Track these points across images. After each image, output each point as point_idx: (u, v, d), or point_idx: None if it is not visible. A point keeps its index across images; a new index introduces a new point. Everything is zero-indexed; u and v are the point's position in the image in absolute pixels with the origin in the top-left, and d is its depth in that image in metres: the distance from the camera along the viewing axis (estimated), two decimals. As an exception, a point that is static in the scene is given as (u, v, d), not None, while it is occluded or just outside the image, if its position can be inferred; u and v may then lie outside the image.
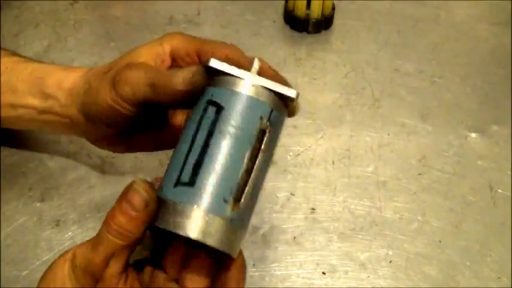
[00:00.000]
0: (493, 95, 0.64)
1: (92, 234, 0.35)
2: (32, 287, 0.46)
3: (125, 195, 0.33)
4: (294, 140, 0.58)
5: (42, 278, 0.36)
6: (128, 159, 0.55)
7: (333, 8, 0.70)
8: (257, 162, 0.34)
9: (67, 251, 0.35)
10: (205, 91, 0.35)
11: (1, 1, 0.70)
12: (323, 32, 0.70)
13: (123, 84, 0.37)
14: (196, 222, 0.32)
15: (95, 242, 0.33)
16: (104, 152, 0.56)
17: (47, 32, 0.68)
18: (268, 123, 0.34)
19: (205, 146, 0.33)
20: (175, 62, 0.41)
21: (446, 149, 0.58)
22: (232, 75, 0.34)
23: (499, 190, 0.55)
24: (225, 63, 0.34)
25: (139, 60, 0.40)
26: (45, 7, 0.71)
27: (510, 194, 0.54)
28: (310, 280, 0.48)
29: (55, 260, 0.36)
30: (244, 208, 0.33)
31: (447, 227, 0.52)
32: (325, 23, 0.70)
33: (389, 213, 0.53)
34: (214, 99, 0.34)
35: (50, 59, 0.64)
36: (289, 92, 0.34)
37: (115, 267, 0.33)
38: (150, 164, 0.55)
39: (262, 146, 0.34)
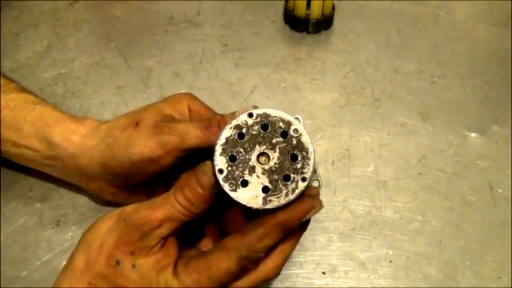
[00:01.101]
0: (493, 95, 0.64)
1: (92, 234, 0.36)
2: (32, 287, 0.46)
3: (196, 173, 0.36)
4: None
5: (85, 232, 0.38)
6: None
7: (333, 8, 0.70)
8: None
9: (111, 211, 0.38)
10: None
11: (1, 1, 0.70)
12: (323, 32, 0.70)
13: (173, 135, 0.40)
14: None
15: (156, 203, 0.36)
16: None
17: (47, 32, 0.68)
18: None
19: None
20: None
21: (446, 149, 0.58)
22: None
23: (499, 190, 0.55)
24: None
25: (165, 113, 0.43)
26: (45, 7, 0.71)
27: (510, 194, 0.54)
28: (310, 280, 0.48)
29: (99, 218, 0.38)
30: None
31: (447, 227, 0.52)
32: (325, 23, 0.70)
33: (389, 213, 0.53)
34: None
35: (50, 59, 0.64)
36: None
37: (165, 229, 0.36)
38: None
39: None
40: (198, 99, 0.46)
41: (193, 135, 0.40)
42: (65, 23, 0.69)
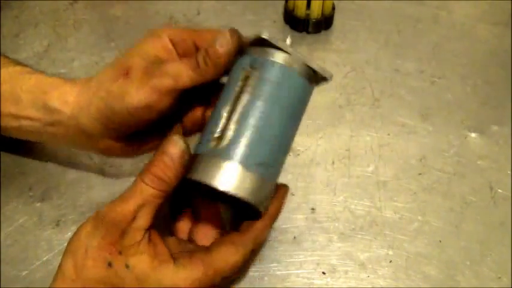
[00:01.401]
0: (493, 95, 0.64)
1: (92, 234, 0.36)
2: (32, 287, 0.46)
3: (162, 147, 0.36)
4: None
5: (68, 243, 0.38)
6: (128, 159, 0.55)
7: (333, 8, 0.70)
8: (288, 123, 0.39)
9: (87, 219, 0.38)
10: (240, 60, 0.39)
11: (1, 1, 0.70)
12: (323, 32, 0.70)
13: (165, 78, 0.39)
14: (230, 176, 0.36)
15: (125, 195, 0.36)
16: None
17: (47, 32, 0.68)
18: (303, 93, 0.40)
19: (243, 108, 0.37)
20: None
21: (446, 149, 0.58)
22: (281, 49, 0.38)
23: (499, 190, 0.55)
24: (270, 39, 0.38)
25: (150, 55, 0.41)
26: (45, 7, 0.71)
27: (510, 194, 0.54)
28: (310, 280, 0.48)
29: (78, 227, 0.38)
30: (274, 165, 0.38)
31: (447, 227, 0.52)
32: (325, 23, 0.70)
33: (389, 213, 0.53)
34: (254, 65, 0.38)
35: (50, 59, 0.64)
36: (326, 73, 0.42)
37: (142, 220, 0.36)
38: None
39: (293, 111, 0.39)
40: (176, 28, 0.43)
41: (185, 75, 0.40)
42: (65, 23, 0.69)
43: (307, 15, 0.68)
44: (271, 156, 0.37)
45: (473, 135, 0.60)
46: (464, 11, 0.74)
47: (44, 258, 0.48)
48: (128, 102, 0.40)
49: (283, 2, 0.71)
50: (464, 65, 0.67)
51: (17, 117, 0.45)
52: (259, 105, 0.37)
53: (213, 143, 0.37)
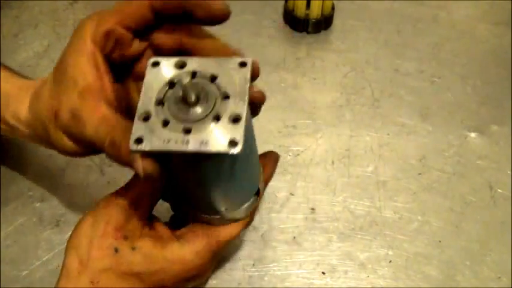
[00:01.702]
0: (493, 95, 0.64)
1: (92, 234, 0.36)
2: (32, 287, 0.46)
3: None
4: (294, 140, 0.58)
5: (69, 239, 0.38)
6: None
7: (333, 8, 0.70)
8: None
9: (86, 213, 0.38)
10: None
11: (1, 1, 0.70)
12: (323, 32, 0.70)
13: (79, 136, 0.37)
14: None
15: (124, 187, 0.38)
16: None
17: (46, 32, 0.68)
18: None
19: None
20: (117, 47, 0.38)
21: (446, 149, 0.58)
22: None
23: (499, 190, 0.55)
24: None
25: (79, 86, 0.36)
26: (45, 7, 0.71)
27: (510, 194, 0.54)
28: (310, 280, 0.48)
29: (77, 223, 0.38)
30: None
31: (447, 227, 0.52)
32: (324, 23, 0.70)
33: (389, 213, 0.53)
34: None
35: (50, 59, 0.64)
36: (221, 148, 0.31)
37: (142, 209, 0.38)
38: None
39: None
40: (105, 16, 0.37)
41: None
42: (65, 23, 0.69)
43: (307, 15, 0.68)
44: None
45: (473, 135, 0.60)
46: (464, 11, 0.74)
47: (44, 258, 0.48)
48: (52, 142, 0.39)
49: (283, 2, 0.71)
50: (464, 65, 0.67)
51: None
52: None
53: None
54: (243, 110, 0.31)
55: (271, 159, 0.44)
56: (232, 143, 0.30)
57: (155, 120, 0.32)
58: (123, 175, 0.54)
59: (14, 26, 0.68)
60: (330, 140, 0.58)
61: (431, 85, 0.65)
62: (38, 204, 0.51)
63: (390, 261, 0.49)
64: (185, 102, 0.32)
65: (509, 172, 0.56)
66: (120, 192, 0.38)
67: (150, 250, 0.37)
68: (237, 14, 0.75)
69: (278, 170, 0.55)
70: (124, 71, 0.39)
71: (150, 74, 0.33)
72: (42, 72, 0.62)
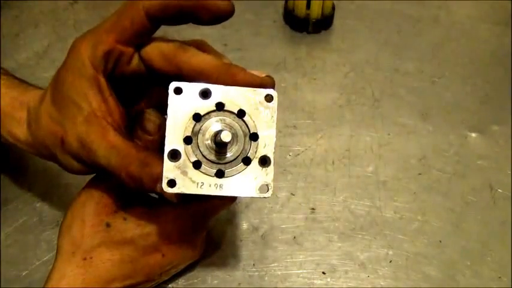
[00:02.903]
0: (493, 95, 0.64)
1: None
2: (32, 287, 0.46)
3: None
4: (294, 140, 0.58)
5: (62, 223, 0.39)
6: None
7: (333, 8, 0.70)
8: None
9: (77, 193, 0.39)
10: None
11: (1, 1, 0.70)
12: (323, 32, 0.70)
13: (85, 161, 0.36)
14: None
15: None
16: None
17: (47, 32, 0.68)
18: None
19: None
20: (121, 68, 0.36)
21: (446, 148, 0.58)
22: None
23: (499, 190, 0.55)
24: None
25: (83, 112, 0.35)
26: (45, 7, 0.71)
27: (510, 194, 0.54)
28: (310, 280, 0.48)
29: (70, 205, 0.39)
30: None
31: (447, 227, 0.52)
32: (325, 23, 0.70)
33: (389, 213, 0.53)
34: None
35: (50, 59, 0.64)
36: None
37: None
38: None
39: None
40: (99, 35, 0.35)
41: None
42: (65, 23, 0.69)
43: (307, 15, 0.68)
44: None
45: (473, 135, 0.59)
46: (464, 11, 0.74)
47: (44, 258, 0.48)
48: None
49: (283, 2, 0.71)
50: (464, 65, 0.67)
51: None
52: None
53: None
54: (271, 152, 0.32)
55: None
56: (264, 188, 0.31)
57: (186, 161, 0.32)
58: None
59: (14, 26, 0.68)
60: (330, 140, 0.58)
61: (431, 85, 0.65)
62: (38, 204, 0.51)
63: (390, 261, 0.49)
64: (217, 144, 0.32)
65: (509, 172, 0.56)
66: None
67: (142, 215, 0.37)
68: (237, 14, 0.74)
69: (279, 170, 0.55)
70: (127, 88, 0.38)
71: (173, 104, 0.32)
72: (42, 72, 0.62)
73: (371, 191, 0.54)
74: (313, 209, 0.53)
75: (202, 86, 0.33)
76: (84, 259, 0.36)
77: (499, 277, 0.49)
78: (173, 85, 0.32)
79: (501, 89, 0.64)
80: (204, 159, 0.32)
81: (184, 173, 0.31)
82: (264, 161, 0.32)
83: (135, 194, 0.39)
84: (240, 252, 0.49)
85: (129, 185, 0.34)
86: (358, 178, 0.55)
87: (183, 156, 0.32)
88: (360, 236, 0.51)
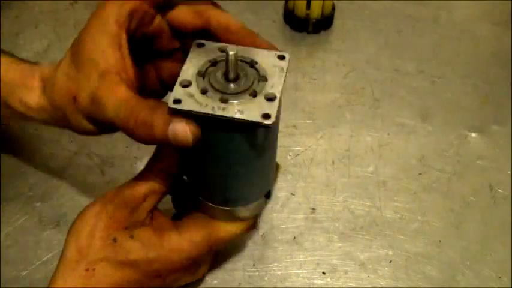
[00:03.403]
0: (493, 95, 0.64)
1: (92, 234, 0.36)
2: (32, 287, 0.46)
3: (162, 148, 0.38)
4: (294, 140, 0.58)
5: (71, 226, 0.38)
6: (128, 159, 0.55)
7: (333, 8, 0.70)
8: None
9: (94, 201, 0.39)
10: None
11: (1, 1, 0.70)
12: (323, 32, 0.70)
13: (99, 118, 0.36)
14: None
15: (138, 179, 0.38)
16: (104, 152, 0.56)
17: (47, 32, 0.68)
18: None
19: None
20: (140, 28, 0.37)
21: (446, 148, 0.58)
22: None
23: (499, 190, 0.55)
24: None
25: (99, 68, 0.36)
26: (45, 7, 0.71)
27: (510, 194, 0.54)
28: (310, 280, 0.48)
29: (82, 210, 0.39)
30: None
31: (447, 227, 0.52)
32: (325, 23, 0.70)
33: (389, 213, 0.53)
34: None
35: (50, 59, 0.64)
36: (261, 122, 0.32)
37: (149, 202, 0.38)
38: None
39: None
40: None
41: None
42: (65, 23, 0.69)
43: (307, 15, 0.68)
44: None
45: (473, 135, 0.60)
46: (464, 11, 0.74)
47: (44, 258, 0.48)
48: (69, 123, 0.39)
49: (283, 2, 0.71)
50: (464, 65, 0.67)
51: None
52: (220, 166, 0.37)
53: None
54: (278, 91, 0.33)
55: None
56: (266, 116, 0.32)
57: (194, 88, 0.33)
58: (123, 175, 0.54)
59: (14, 26, 0.68)
60: (330, 140, 0.58)
61: (431, 85, 0.65)
62: (38, 204, 0.51)
63: (390, 261, 0.49)
64: (226, 77, 0.34)
65: (509, 172, 0.56)
66: (130, 185, 0.38)
67: (149, 238, 0.37)
68: (237, 14, 0.75)
69: (278, 170, 0.55)
70: (142, 51, 0.39)
71: (194, 52, 0.35)
72: (42, 72, 0.62)
73: (371, 191, 0.54)
74: (313, 209, 0.53)
75: (223, 44, 0.36)
76: (87, 270, 0.36)
77: (499, 277, 0.49)
78: (197, 41, 0.36)
79: (501, 89, 0.64)
80: (213, 89, 0.33)
81: (191, 96, 0.33)
82: (270, 99, 0.33)
83: (149, 212, 0.38)
84: (240, 252, 0.49)
85: (139, 135, 0.34)
86: (358, 178, 0.55)
87: (193, 86, 0.33)
88: (360, 236, 0.51)
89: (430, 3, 0.74)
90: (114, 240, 0.36)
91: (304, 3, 0.68)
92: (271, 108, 0.32)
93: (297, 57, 0.67)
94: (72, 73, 0.37)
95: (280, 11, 0.72)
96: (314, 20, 0.69)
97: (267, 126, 0.32)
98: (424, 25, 0.72)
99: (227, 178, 0.37)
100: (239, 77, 0.34)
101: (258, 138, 0.35)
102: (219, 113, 0.32)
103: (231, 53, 0.33)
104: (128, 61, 0.36)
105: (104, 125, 0.37)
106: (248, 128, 0.33)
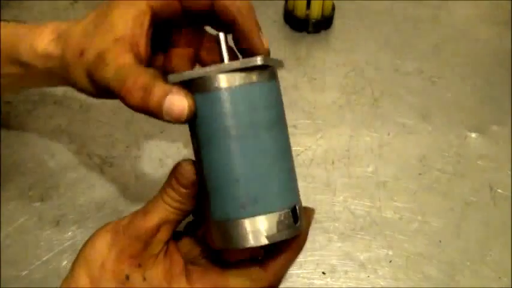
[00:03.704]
0: (493, 95, 0.64)
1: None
2: (32, 287, 0.46)
3: (173, 174, 0.36)
4: (294, 140, 0.58)
5: (82, 249, 0.37)
6: (128, 159, 0.55)
7: (333, 8, 0.70)
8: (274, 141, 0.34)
9: (106, 224, 0.37)
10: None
11: (1, 1, 0.70)
12: (323, 32, 0.70)
13: (101, 82, 0.36)
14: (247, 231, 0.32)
15: (148, 209, 0.36)
16: (104, 152, 0.56)
17: (47, 32, 0.68)
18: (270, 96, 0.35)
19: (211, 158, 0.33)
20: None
21: (446, 148, 0.58)
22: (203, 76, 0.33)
23: (499, 190, 0.55)
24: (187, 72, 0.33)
25: (116, 32, 0.37)
26: (45, 7, 0.71)
27: (510, 194, 0.54)
28: (310, 280, 0.48)
29: (94, 233, 0.37)
30: (279, 191, 0.34)
31: (447, 227, 0.52)
32: (325, 23, 0.70)
33: (389, 213, 0.53)
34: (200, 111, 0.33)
35: (50, 59, 0.64)
36: (256, 61, 0.33)
37: (164, 233, 0.36)
38: (150, 164, 0.55)
39: (272, 121, 0.34)
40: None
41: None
42: (65, 22, 0.69)
43: (307, 15, 0.68)
44: (271, 190, 0.33)
45: (473, 135, 0.60)
46: (464, 11, 0.74)
47: (44, 258, 0.48)
48: (74, 79, 0.39)
49: (283, 2, 0.71)
50: (464, 65, 0.67)
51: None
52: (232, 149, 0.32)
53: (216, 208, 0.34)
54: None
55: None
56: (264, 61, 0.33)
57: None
58: (123, 175, 0.54)
59: (14, 26, 0.68)
60: (330, 140, 0.58)
61: (431, 85, 0.65)
62: (38, 204, 0.51)
63: (390, 261, 0.49)
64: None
65: (509, 172, 0.56)
66: (145, 214, 0.36)
67: (159, 282, 0.36)
68: (237, 14, 0.75)
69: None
70: (157, 38, 0.40)
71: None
72: (42, 72, 0.62)
73: (371, 191, 0.54)
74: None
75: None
76: None
77: (499, 277, 0.49)
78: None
79: (501, 89, 0.64)
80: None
81: (192, 70, 0.34)
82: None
83: (164, 243, 0.37)
84: (240, 252, 0.49)
85: (133, 99, 0.34)
86: (358, 178, 0.55)
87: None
88: (359, 236, 0.51)
89: (430, 3, 0.74)
90: (127, 277, 0.35)
91: (304, 3, 0.68)
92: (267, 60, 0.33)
93: (297, 57, 0.67)
94: (90, 31, 0.38)
95: (280, 11, 0.72)
96: (314, 20, 0.69)
97: (267, 66, 0.33)
98: (424, 25, 0.72)
99: (234, 157, 0.32)
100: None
101: (263, 94, 0.34)
102: (223, 67, 0.32)
103: (221, 34, 0.34)
104: (144, 40, 0.37)
105: (100, 86, 0.37)
106: (250, 76, 0.33)
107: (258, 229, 0.32)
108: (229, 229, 0.33)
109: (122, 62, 0.35)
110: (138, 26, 0.37)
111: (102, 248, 0.36)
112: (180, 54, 0.42)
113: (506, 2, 0.75)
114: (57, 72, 0.41)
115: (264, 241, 0.32)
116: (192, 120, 0.33)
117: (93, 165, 0.55)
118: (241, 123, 0.32)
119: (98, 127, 0.58)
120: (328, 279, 0.48)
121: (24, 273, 0.47)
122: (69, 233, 0.50)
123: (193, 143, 0.35)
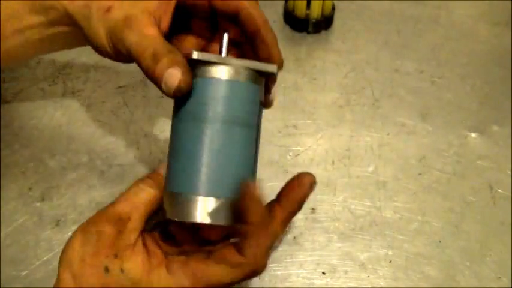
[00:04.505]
0: (493, 95, 0.64)
1: (92, 234, 0.36)
2: (32, 287, 0.46)
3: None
4: (294, 140, 0.58)
5: (61, 253, 0.38)
6: (128, 159, 0.55)
7: (333, 8, 0.70)
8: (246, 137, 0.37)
9: (79, 226, 0.38)
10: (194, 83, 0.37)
11: (1, 1, 0.70)
12: (323, 32, 0.70)
13: (118, 45, 0.38)
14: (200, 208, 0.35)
15: (119, 198, 0.38)
16: (104, 152, 0.56)
17: (47, 32, 0.68)
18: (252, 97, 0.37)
19: (201, 141, 0.36)
20: None
21: (446, 149, 0.58)
22: (213, 63, 0.36)
23: (499, 190, 0.55)
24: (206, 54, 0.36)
25: (147, 4, 0.38)
26: (45, 7, 0.71)
27: (510, 194, 0.54)
28: (310, 280, 0.48)
29: (70, 236, 0.38)
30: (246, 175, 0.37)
31: (447, 227, 0.52)
32: (325, 23, 0.70)
33: (389, 213, 0.53)
34: (201, 92, 0.36)
35: (50, 59, 0.64)
36: (270, 68, 0.38)
37: (136, 222, 0.37)
38: (150, 164, 0.55)
39: (248, 119, 0.37)
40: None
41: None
42: (65, 22, 0.69)
43: (307, 15, 0.68)
44: (236, 175, 0.36)
45: (473, 135, 0.60)
46: (464, 11, 0.74)
47: (44, 258, 0.48)
48: (94, 36, 0.39)
49: (283, 2, 0.71)
50: (464, 65, 0.67)
51: (21, 30, 0.43)
52: (216, 132, 0.36)
53: (180, 180, 0.36)
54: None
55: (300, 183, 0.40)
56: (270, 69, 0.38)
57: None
58: (123, 175, 0.54)
59: (14, 26, 0.68)
60: (330, 140, 0.58)
61: (431, 85, 0.65)
62: (38, 204, 0.51)
63: (390, 261, 0.49)
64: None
65: (509, 172, 0.56)
66: (116, 203, 0.37)
67: (138, 274, 0.36)
68: (237, 14, 0.75)
69: (279, 170, 0.55)
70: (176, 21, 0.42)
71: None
72: (42, 72, 0.62)
73: (371, 191, 0.54)
74: (313, 209, 0.53)
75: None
76: None
77: (499, 277, 0.49)
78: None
79: (501, 89, 0.64)
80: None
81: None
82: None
83: (139, 233, 0.38)
84: (240, 252, 0.49)
85: (146, 66, 0.36)
86: (358, 178, 0.55)
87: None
88: (359, 236, 0.51)
89: (430, 3, 0.75)
90: (106, 269, 0.36)
91: (304, 3, 0.68)
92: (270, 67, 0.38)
93: (297, 57, 0.67)
94: None
95: (280, 11, 0.72)
96: (314, 20, 0.69)
97: (272, 74, 0.38)
98: (424, 25, 0.72)
99: (207, 139, 0.36)
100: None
101: (256, 96, 0.37)
102: (235, 62, 0.36)
103: (226, 34, 0.38)
104: (168, 19, 0.39)
105: (118, 46, 0.38)
106: (252, 76, 0.37)
107: (206, 208, 0.35)
108: (181, 202, 0.36)
109: (147, 33, 0.37)
110: (166, 5, 0.39)
111: (79, 245, 0.37)
112: (192, 42, 0.44)
113: (506, 2, 0.75)
114: (76, 22, 0.40)
115: (207, 220, 0.35)
116: (183, 98, 0.36)
117: (93, 165, 0.55)
118: (226, 113, 0.36)
119: (98, 127, 0.58)
120: (328, 279, 0.48)
121: (24, 273, 0.47)
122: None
123: (173, 118, 0.37)
